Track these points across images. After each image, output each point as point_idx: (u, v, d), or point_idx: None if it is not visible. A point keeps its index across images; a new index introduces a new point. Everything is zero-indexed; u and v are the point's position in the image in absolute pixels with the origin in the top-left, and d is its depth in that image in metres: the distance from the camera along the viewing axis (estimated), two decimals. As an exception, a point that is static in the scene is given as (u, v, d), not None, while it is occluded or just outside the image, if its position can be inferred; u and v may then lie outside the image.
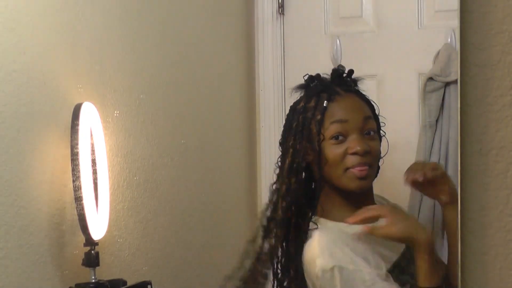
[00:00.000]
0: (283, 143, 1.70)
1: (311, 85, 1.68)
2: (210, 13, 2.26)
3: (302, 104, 1.67)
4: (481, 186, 1.15)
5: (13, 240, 1.51)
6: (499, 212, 1.15)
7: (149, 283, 1.73)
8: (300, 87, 1.70)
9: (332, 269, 1.53)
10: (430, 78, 1.93)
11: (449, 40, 2.01)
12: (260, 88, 2.44)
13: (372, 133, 1.62)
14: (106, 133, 1.73)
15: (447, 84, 1.91)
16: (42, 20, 1.60)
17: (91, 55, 1.75)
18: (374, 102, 1.69)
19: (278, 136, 2.40)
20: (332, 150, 1.60)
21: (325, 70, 2.32)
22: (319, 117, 1.62)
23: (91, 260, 1.63)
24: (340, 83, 1.67)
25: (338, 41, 2.32)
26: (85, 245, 1.63)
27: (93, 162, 1.64)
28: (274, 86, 2.42)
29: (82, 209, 1.60)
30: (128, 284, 1.69)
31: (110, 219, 1.70)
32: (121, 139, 1.84)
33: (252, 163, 2.42)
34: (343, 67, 1.70)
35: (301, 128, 1.64)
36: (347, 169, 1.59)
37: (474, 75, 1.14)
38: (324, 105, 1.62)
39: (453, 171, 1.73)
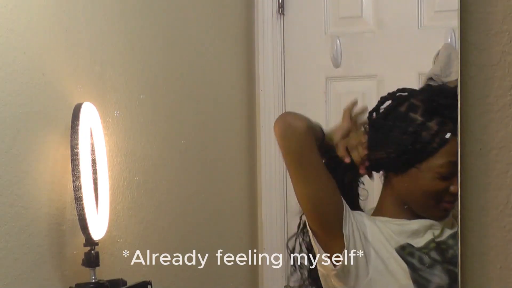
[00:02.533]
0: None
1: (435, 97, 1.50)
2: (210, 13, 2.26)
3: (417, 115, 1.50)
4: (481, 186, 1.15)
5: (13, 240, 1.51)
6: (499, 212, 1.15)
7: (149, 283, 1.73)
8: (421, 92, 1.53)
9: None
10: (430, 78, 1.92)
11: (449, 40, 2.01)
12: (260, 88, 2.44)
13: None
14: (106, 133, 1.73)
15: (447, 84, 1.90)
16: (42, 20, 1.60)
17: (91, 55, 1.75)
18: None
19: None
20: (435, 184, 1.48)
21: (325, 70, 2.34)
22: (435, 146, 1.46)
23: (91, 260, 1.63)
24: None
25: (338, 41, 2.31)
26: (85, 245, 1.63)
27: (93, 162, 1.64)
28: (274, 86, 2.42)
29: (82, 209, 1.60)
30: (128, 284, 1.69)
31: (110, 219, 1.70)
32: (121, 139, 1.83)
33: (252, 163, 2.42)
34: None
35: (409, 144, 1.48)
36: (440, 202, 1.51)
37: (474, 75, 1.14)
38: (447, 137, 1.46)
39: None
